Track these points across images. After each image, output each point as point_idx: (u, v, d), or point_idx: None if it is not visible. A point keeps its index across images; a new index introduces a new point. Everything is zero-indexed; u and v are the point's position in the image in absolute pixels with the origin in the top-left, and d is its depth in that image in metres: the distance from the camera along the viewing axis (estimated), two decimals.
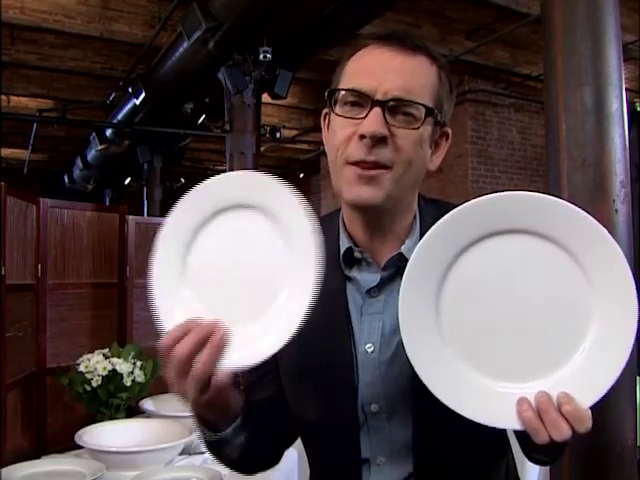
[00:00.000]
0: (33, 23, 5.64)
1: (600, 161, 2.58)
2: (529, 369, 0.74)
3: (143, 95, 6.58)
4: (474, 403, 0.73)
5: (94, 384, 1.98)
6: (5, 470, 1.62)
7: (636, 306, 0.71)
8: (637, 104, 6.96)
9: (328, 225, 0.96)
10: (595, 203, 2.58)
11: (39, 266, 2.10)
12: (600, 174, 2.58)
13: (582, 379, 0.72)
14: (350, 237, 0.92)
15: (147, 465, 1.71)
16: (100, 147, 8.58)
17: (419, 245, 0.75)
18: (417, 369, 0.74)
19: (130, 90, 6.76)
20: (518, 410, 0.71)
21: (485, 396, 0.74)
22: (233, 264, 0.80)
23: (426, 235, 0.75)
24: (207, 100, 7.05)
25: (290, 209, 0.77)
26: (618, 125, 2.61)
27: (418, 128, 0.83)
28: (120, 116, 7.69)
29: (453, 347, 0.75)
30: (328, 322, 0.89)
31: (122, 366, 2.03)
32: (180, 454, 1.88)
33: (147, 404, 2.20)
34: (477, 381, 0.75)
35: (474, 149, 7.46)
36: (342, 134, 0.84)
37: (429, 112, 0.84)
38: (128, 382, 2.02)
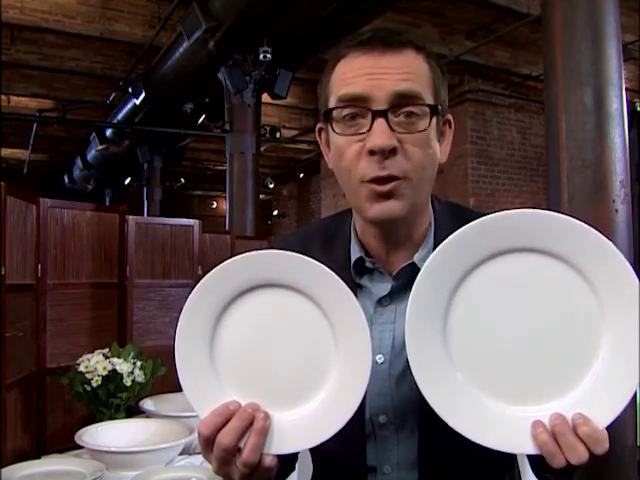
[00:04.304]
0: (33, 23, 5.65)
1: (600, 161, 2.58)
2: (542, 391, 0.72)
3: (143, 95, 6.59)
4: (486, 428, 0.71)
5: (94, 384, 1.98)
6: (5, 470, 1.62)
7: None
8: (637, 104, 6.96)
9: (338, 229, 0.94)
10: (595, 203, 2.58)
11: (39, 266, 2.10)
12: (600, 174, 2.58)
13: (596, 399, 0.70)
14: (362, 246, 0.90)
15: (147, 465, 1.71)
16: (100, 147, 8.59)
17: (425, 266, 0.73)
18: (425, 394, 0.72)
19: (130, 90, 6.77)
20: (533, 434, 0.69)
21: (498, 421, 0.72)
22: (269, 346, 0.76)
23: (433, 254, 0.73)
24: (207, 100, 7.06)
25: (336, 295, 0.74)
26: (618, 125, 2.61)
27: (425, 130, 0.80)
28: (120, 116, 7.69)
29: (463, 371, 0.74)
30: None
31: (122, 366, 2.03)
32: (180, 454, 1.88)
33: (147, 404, 2.20)
34: (488, 405, 0.73)
35: (474, 149, 7.46)
36: (349, 153, 0.81)
37: (433, 109, 0.81)
38: (128, 382, 2.02)
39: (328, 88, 0.85)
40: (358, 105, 0.80)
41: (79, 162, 10.50)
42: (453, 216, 0.90)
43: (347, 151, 0.81)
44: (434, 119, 0.82)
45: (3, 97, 7.69)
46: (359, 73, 0.80)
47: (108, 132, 8.51)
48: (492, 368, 0.73)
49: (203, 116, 7.30)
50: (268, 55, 5.20)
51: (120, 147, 8.82)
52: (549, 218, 0.72)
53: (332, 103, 0.83)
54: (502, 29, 5.94)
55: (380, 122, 0.78)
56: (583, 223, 0.71)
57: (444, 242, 0.73)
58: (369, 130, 0.79)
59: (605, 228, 2.50)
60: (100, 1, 5.76)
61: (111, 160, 9.66)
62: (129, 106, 7.26)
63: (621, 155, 2.61)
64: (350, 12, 5.00)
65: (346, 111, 0.81)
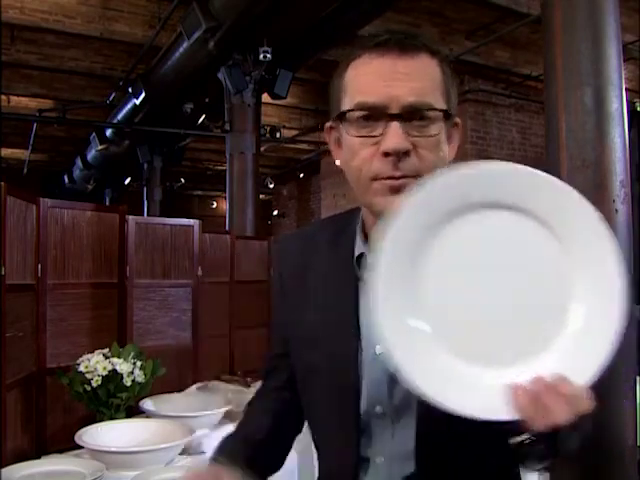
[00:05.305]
0: (33, 23, 5.64)
1: (600, 161, 2.58)
2: (518, 352, 0.70)
3: (143, 95, 6.58)
4: (460, 394, 0.69)
5: (94, 384, 1.98)
6: (5, 470, 1.62)
7: (621, 281, 0.68)
8: (637, 104, 6.96)
9: (346, 225, 0.97)
10: (595, 203, 2.56)
11: (39, 266, 2.10)
12: (600, 174, 2.58)
13: (575, 357, 0.69)
14: (368, 242, 0.92)
15: (147, 465, 1.71)
16: (100, 147, 8.58)
17: (394, 219, 0.71)
18: (395, 358, 0.70)
19: (130, 90, 6.76)
20: (511, 396, 0.67)
21: (472, 386, 0.69)
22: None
23: (399, 211, 0.71)
24: (207, 100, 7.05)
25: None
26: (618, 125, 2.61)
27: (437, 134, 0.83)
28: (120, 116, 7.69)
29: (435, 335, 0.71)
30: (337, 322, 0.91)
31: (122, 366, 2.03)
32: (180, 454, 1.88)
33: (147, 404, 2.20)
34: (462, 370, 0.70)
35: (474, 149, 7.46)
36: (363, 154, 0.83)
37: (445, 115, 0.83)
38: (128, 382, 2.02)
39: (342, 88, 0.87)
40: (375, 109, 0.82)
41: (79, 162, 10.49)
42: None
43: (360, 152, 0.84)
44: (445, 123, 0.85)
45: (3, 97, 7.69)
46: (375, 78, 0.82)
47: (108, 132, 8.51)
48: (465, 331, 0.71)
49: (203, 116, 7.29)
50: (268, 55, 5.19)
51: (120, 147, 8.82)
52: (521, 173, 0.70)
53: (347, 105, 0.85)
54: (502, 29, 5.94)
55: (395, 125, 0.80)
56: (556, 179, 0.70)
57: (410, 198, 0.71)
58: (383, 133, 0.81)
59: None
60: (100, 1, 5.75)
61: (111, 160, 9.65)
62: (129, 106, 7.26)
63: (621, 155, 2.60)
64: (350, 12, 4.99)
65: (361, 113, 0.83)
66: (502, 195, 0.70)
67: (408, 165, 0.81)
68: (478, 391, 0.69)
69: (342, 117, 0.85)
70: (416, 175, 0.81)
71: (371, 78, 0.83)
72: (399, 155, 0.80)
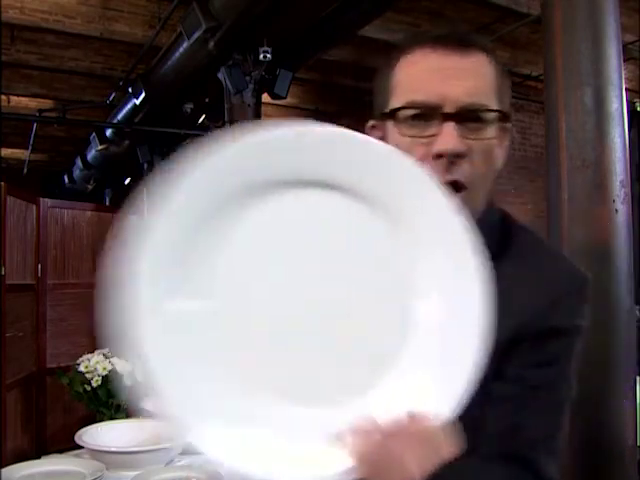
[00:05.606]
0: (33, 23, 5.64)
1: (600, 161, 2.58)
2: (349, 384, 0.49)
3: (143, 95, 6.59)
4: (261, 449, 0.47)
5: (94, 384, 1.98)
6: (5, 470, 1.62)
7: (478, 268, 0.53)
8: (637, 104, 6.96)
9: None
10: (595, 203, 2.58)
11: (39, 266, 2.10)
12: (600, 174, 2.58)
13: (427, 378, 0.50)
14: None
15: (147, 465, 1.71)
16: (100, 147, 8.58)
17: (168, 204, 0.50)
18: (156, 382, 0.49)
19: (130, 90, 6.77)
20: (342, 444, 0.48)
21: (287, 431, 0.47)
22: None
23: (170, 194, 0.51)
24: (207, 100, 7.06)
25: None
26: (618, 125, 2.61)
27: (491, 138, 0.78)
28: (120, 116, 7.69)
29: (224, 362, 0.49)
30: None
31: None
32: (180, 454, 1.88)
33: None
34: (263, 411, 0.48)
35: None
36: (413, 155, 0.75)
37: (503, 117, 0.79)
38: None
39: (391, 85, 0.81)
40: (429, 107, 0.77)
41: (79, 162, 10.49)
42: (500, 224, 0.85)
43: (410, 153, 0.77)
44: (499, 126, 0.80)
45: (3, 97, 7.69)
46: (428, 75, 0.77)
47: (108, 132, 8.51)
48: (271, 353, 0.49)
49: (203, 116, 7.30)
50: (268, 55, 5.20)
51: (120, 147, 8.82)
52: (339, 138, 0.52)
53: (397, 103, 0.79)
54: (502, 29, 5.94)
55: (449, 125, 0.75)
56: (376, 141, 0.56)
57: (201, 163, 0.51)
58: (437, 133, 0.76)
59: (605, 228, 2.50)
60: (100, 1, 5.75)
61: (111, 160, 9.65)
62: (129, 106, 7.26)
63: (621, 155, 2.60)
64: (350, 12, 4.99)
65: (413, 112, 0.78)
66: (308, 168, 0.52)
67: (461, 170, 0.75)
68: (294, 439, 0.47)
69: (391, 115, 0.79)
70: (467, 184, 0.75)
71: (424, 75, 0.77)
72: (453, 158, 0.75)
